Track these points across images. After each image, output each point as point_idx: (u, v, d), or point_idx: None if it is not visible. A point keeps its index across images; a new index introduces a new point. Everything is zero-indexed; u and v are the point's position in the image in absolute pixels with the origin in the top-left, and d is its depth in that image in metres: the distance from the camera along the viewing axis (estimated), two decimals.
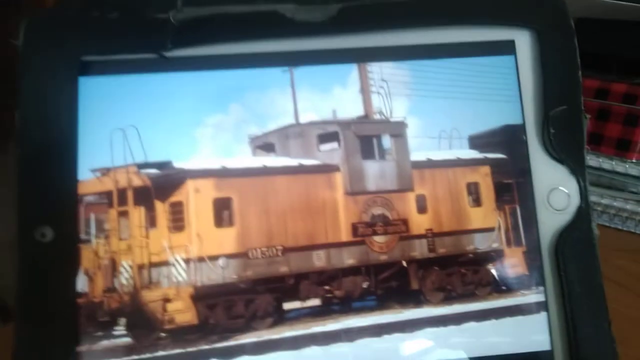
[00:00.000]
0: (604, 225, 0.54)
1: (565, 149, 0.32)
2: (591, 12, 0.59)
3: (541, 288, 0.31)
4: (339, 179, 0.32)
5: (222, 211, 0.31)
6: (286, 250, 0.31)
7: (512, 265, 0.32)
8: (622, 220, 0.53)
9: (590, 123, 0.53)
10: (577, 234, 0.31)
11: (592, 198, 0.54)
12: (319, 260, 0.31)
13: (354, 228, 0.31)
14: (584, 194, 0.32)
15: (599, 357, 0.31)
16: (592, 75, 0.54)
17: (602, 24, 0.58)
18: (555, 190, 0.32)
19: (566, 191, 0.32)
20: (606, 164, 0.52)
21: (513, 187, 0.32)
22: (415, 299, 0.31)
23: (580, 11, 0.57)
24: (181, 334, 0.30)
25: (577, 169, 0.32)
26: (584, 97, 0.54)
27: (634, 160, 0.52)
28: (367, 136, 0.32)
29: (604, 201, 0.53)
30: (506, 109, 0.32)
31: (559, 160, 0.32)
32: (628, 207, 0.52)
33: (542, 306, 0.31)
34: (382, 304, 0.30)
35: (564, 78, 0.32)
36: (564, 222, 0.32)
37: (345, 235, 0.31)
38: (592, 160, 0.53)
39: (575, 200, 0.32)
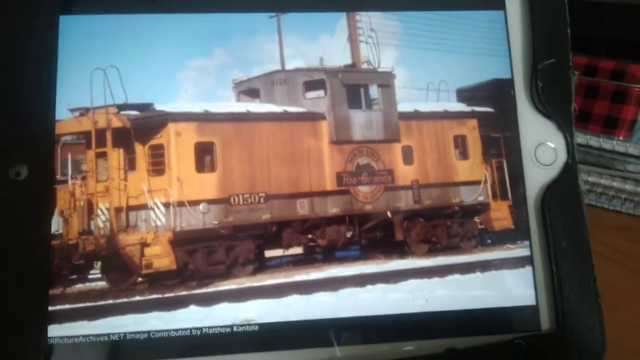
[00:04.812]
0: (591, 204, 0.54)
1: (553, 104, 0.32)
2: None
3: (527, 242, 0.31)
4: (324, 127, 0.31)
5: (204, 156, 0.30)
6: (269, 197, 0.30)
7: (497, 219, 0.31)
8: (609, 199, 0.53)
9: (579, 100, 0.53)
10: (563, 189, 0.31)
11: (582, 177, 0.54)
12: (302, 208, 0.30)
13: (339, 177, 0.30)
14: (570, 150, 0.32)
15: (583, 311, 0.30)
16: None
17: (591, 7, 0.58)
18: (542, 145, 0.32)
19: (553, 146, 0.32)
20: (593, 141, 0.52)
21: (500, 141, 0.32)
22: (400, 250, 0.30)
23: None
24: (159, 279, 0.29)
25: (565, 124, 0.32)
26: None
27: (621, 138, 0.52)
28: (354, 85, 0.32)
29: (591, 179, 0.53)
30: (495, 63, 0.32)
31: (547, 115, 0.32)
32: (615, 184, 0.52)
33: (528, 260, 0.31)
34: (366, 254, 0.30)
35: (553, 33, 0.32)
36: (550, 177, 0.31)
37: (329, 184, 0.30)
38: (579, 137, 0.52)
39: (562, 156, 0.32)
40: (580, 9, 0.57)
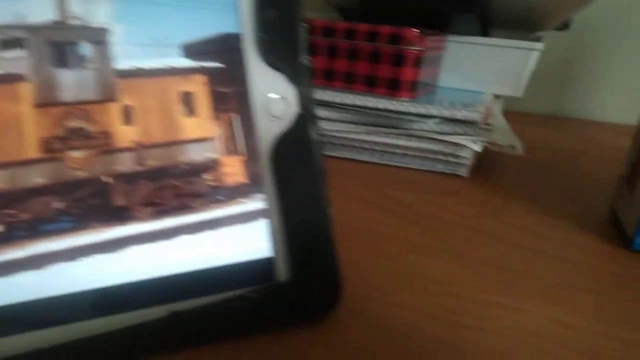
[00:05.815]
0: (384, 163, 0.57)
1: (282, 57, 0.32)
2: None
3: (262, 195, 0.30)
4: (25, 89, 0.28)
5: None
6: None
7: (230, 174, 0.30)
8: (399, 156, 0.56)
9: (366, 65, 0.55)
10: (295, 140, 0.31)
11: (374, 138, 0.57)
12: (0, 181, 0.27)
13: (45, 143, 0.27)
14: (303, 102, 0.32)
15: (318, 260, 0.31)
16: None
17: None
18: (274, 98, 0.31)
19: (285, 98, 0.32)
20: (380, 103, 0.55)
21: (231, 96, 0.31)
22: (120, 215, 0.28)
23: None
24: None
25: (295, 76, 0.32)
26: (359, 41, 0.56)
27: (404, 99, 0.55)
28: (61, 42, 0.29)
29: (383, 139, 0.56)
30: (223, 17, 0.31)
31: (276, 68, 0.32)
32: (402, 142, 0.55)
33: (263, 213, 0.30)
34: (79, 225, 0.27)
35: None
36: (282, 129, 0.31)
37: (33, 152, 0.27)
38: (369, 101, 0.55)
39: (293, 108, 0.32)
40: None
